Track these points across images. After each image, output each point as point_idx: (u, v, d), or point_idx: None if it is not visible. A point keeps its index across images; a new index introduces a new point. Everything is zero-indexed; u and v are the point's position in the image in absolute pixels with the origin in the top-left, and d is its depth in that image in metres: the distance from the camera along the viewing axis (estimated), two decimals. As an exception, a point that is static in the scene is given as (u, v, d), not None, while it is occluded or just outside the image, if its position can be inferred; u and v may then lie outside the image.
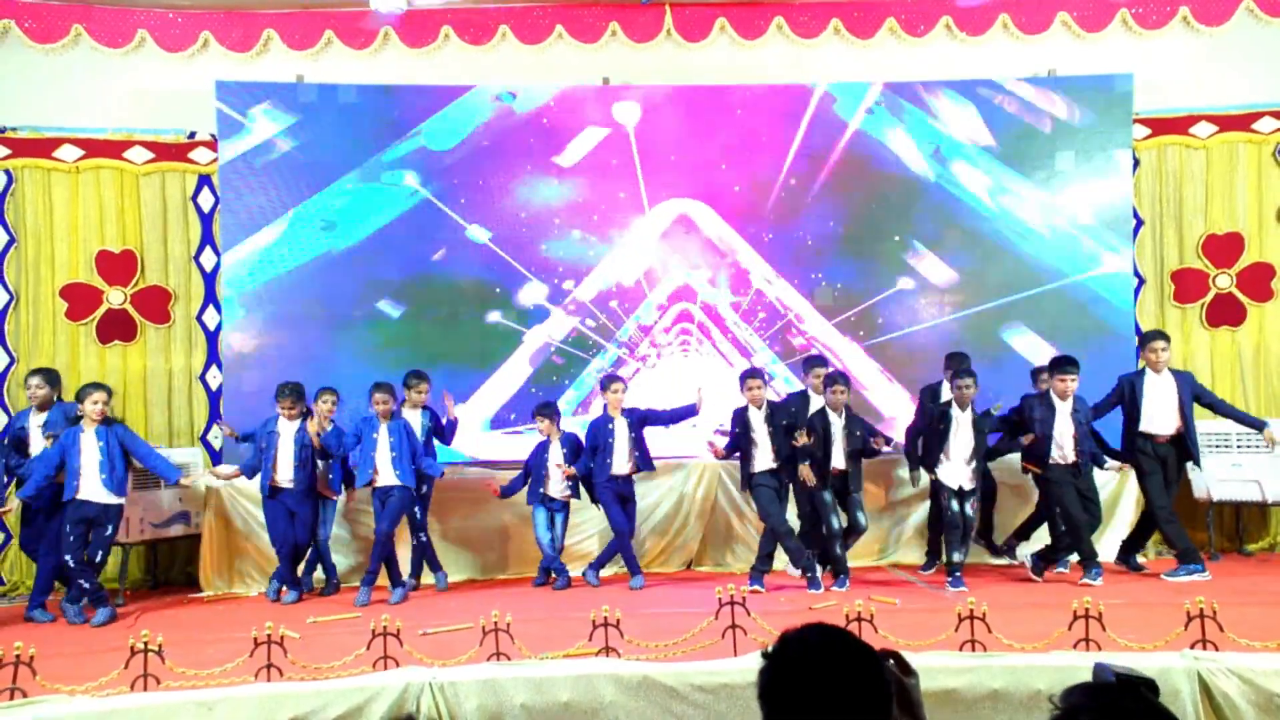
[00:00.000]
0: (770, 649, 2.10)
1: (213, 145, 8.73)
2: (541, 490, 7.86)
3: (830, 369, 7.95)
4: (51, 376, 7.72)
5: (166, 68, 8.89)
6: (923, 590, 7.37)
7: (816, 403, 7.71)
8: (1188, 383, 7.70)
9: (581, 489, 7.94)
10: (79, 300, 8.74)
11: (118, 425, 7.34)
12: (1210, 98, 9.11)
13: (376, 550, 7.52)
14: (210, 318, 8.85)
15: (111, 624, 6.92)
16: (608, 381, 7.96)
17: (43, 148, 8.74)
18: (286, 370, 8.30)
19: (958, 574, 7.30)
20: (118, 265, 8.78)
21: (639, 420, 7.90)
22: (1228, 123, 9.10)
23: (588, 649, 5.25)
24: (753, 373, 7.72)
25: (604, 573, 7.92)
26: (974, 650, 5.10)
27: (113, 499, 7.13)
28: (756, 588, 7.22)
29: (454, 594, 7.68)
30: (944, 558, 7.60)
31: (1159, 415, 7.58)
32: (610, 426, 7.81)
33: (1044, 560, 7.53)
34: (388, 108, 8.75)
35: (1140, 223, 9.08)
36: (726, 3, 9.04)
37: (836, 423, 7.50)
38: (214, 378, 8.77)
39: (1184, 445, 7.58)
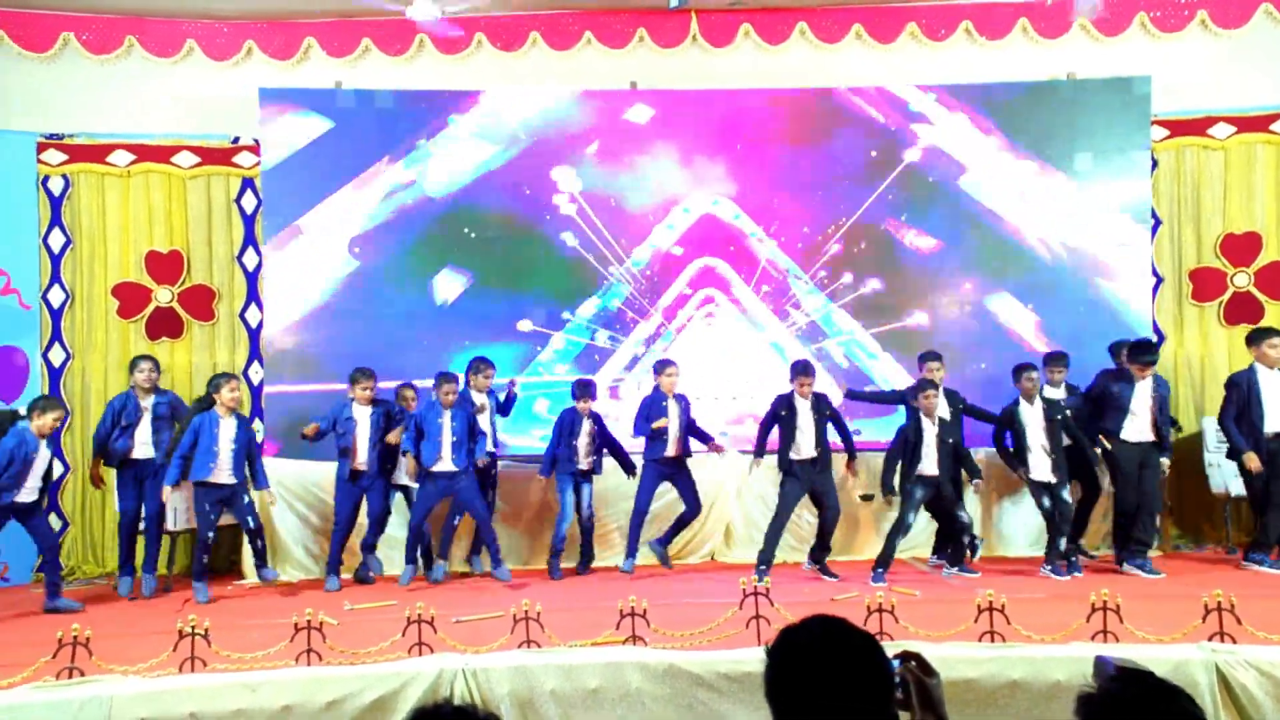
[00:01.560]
0: (771, 645, 2.07)
1: (255, 149, 8.78)
2: (573, 463, 7.81)
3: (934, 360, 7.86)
4: (158, 364, 7.90)
5: (213, 75, 8.95)
6: (943, 581, 7.30)
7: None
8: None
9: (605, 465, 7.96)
10: (129, 299, 8.82)
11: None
12: (1228, 99, 8.96)
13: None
14: (252, 315, 8.90)
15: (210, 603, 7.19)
16: (662, 365, 7.91)
17: (97, 153, 8.83)
18: (324, 366, 8.38)
19: (1056, 563, 7.27)
20: (166, 265, 8.86)
21: (688, 410, 7.87)
22: (1246, 124, 8.95)
23: (615, 637, 5.24)
24: (805, 369, 7.62)
25: (635, 561, 7.86)
26: (993, 641, 5.05)
27: (236, 480, 7.38)
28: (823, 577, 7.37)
29: (486, 583, 7.69)
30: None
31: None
32: (664, 406, 7.77)
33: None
34: (423, 111, 8.76)
35: (1159, 222, 8.95)
36: (750, 8, 8.98)
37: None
38: (255, 373, 8.83)
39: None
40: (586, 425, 7.87)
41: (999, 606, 5.11)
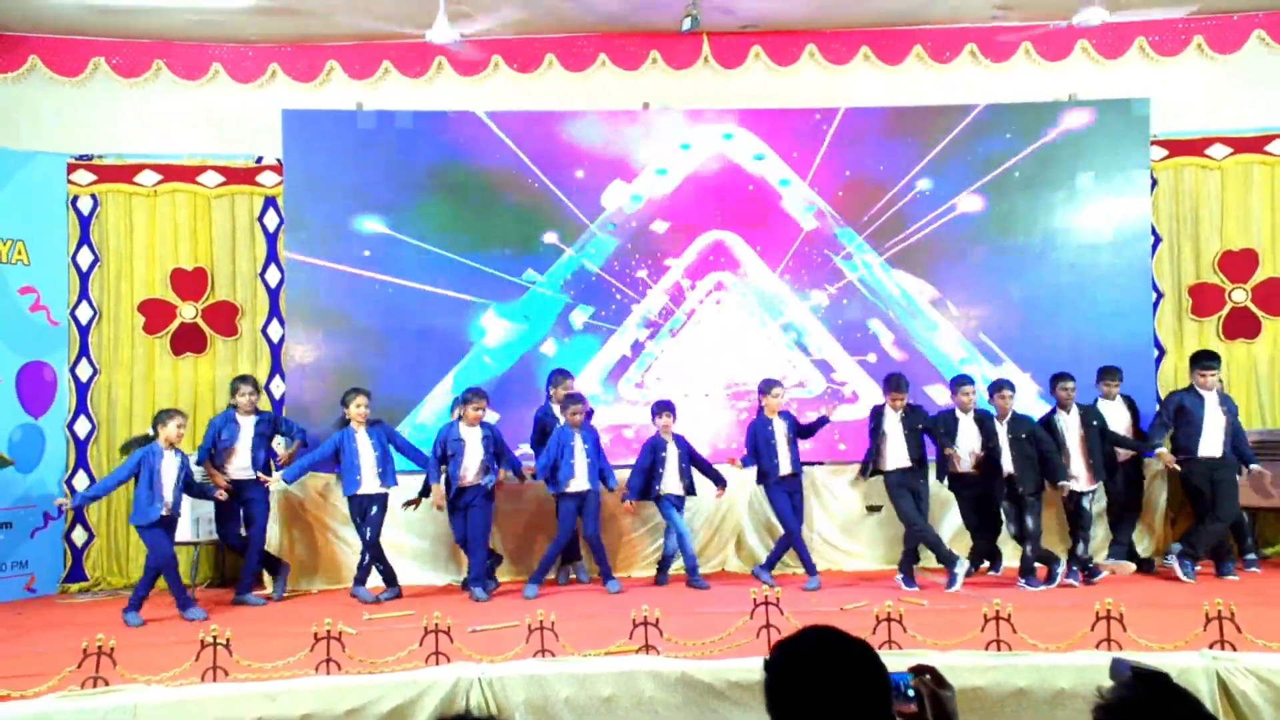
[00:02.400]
0: (769, 658, 2.07)
1: (278, 169, 8.83)
2: (658, 488, 7.77)
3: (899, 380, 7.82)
4: (258, 386, 8.03)
5: (237, 97, 9.01)
6: (948, 591, 7.26)
7: (964, 420, 7.59)
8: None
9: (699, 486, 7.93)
10: (155, 315, 8.86)
11: (384, 424, 7.86)
12: (1225, 121, 8.97)
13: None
14: (274, 331, 8.94)
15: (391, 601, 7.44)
16: (769, 385, 7.86)
17: (125, 173, 8.90)
18: (345, 380, 8.38)
19: (1073, 568, 7.35)
20: (190, 282, 8.91)
21: (793, 425, 7.85)
22: (1242, 145, 8.95)
23: (628, 646, 5.24)
24: (897, 384, 7.61)
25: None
26: (999, 650, 5.03)
27: (382, 489, 7.63)
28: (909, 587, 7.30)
29: (501, 594, 7.68)
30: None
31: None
32: (770, 429, 7.75)
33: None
34: (441, 132, 8.80)
35: (1158, 240, 8.94)
36: (761, 31, 9.02)
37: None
38: (277, 387, 8.85)
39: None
40: (671, 449, 7.80)
41: (1005, 615, 5.09)
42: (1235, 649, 4.93)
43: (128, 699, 4.70)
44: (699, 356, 8.80)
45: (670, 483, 7.77)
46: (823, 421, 7.89)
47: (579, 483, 7.60)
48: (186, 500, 7.44)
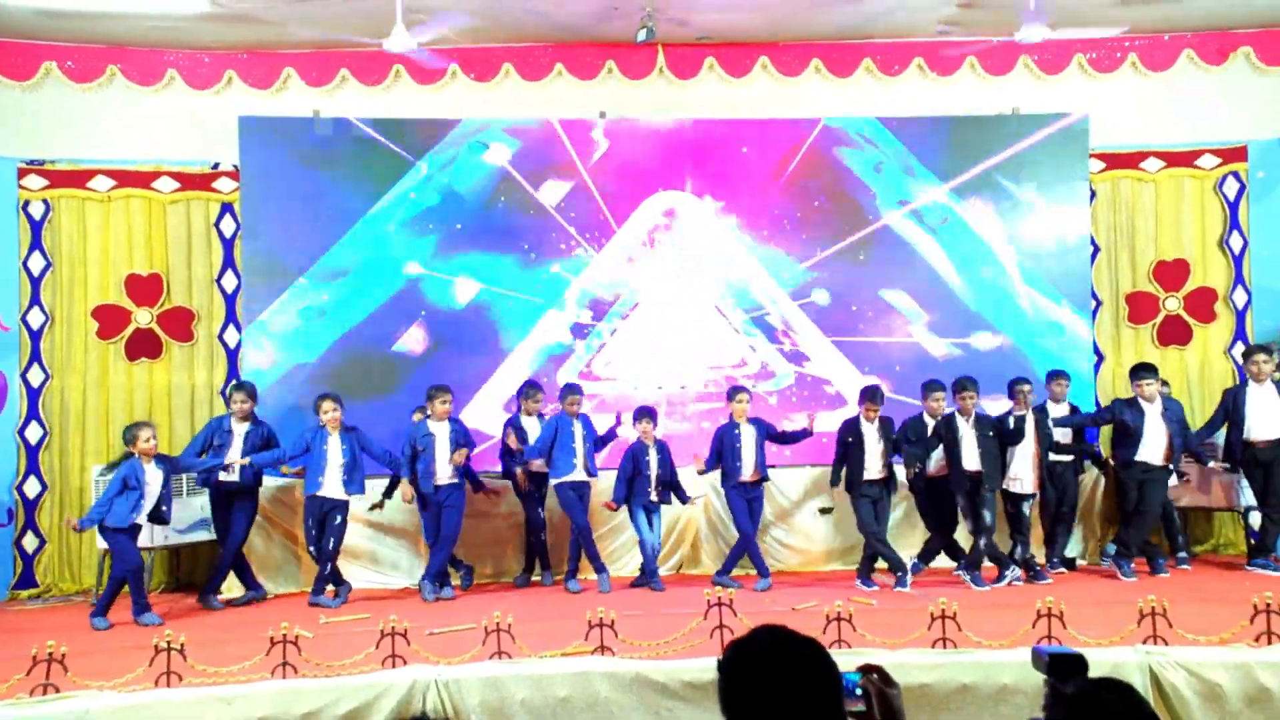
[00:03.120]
0: (721, 658, 2.08)
1: (235, 175, 8.71)
2: (645, 493, 7.72)
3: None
4: (252, 391, 7.87)
5: (193, 103, 8.86)
6: (897, 592, 7.33)
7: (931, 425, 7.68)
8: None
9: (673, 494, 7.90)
10: (109, 320, 8.69)
11: (358, 431, 7.63)
12: (1158, 136, 9.18)
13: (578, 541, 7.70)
14: (230, 336, 8.80)
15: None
16: (734, 391, 7.89)
17: (78, 179, 8.71)
18: (303, 386, 8.31)
19: (1038, 568, 7.55)
20: (145, 287, 8.75)
21: (764, 432, 7.83)
22: (1174, 159, 9.16)
23: (584, 648, 5.23)
24: (873, 397, 7.67)
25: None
26: (945, 647, 5.10)
27: (344, 495, 7.48)
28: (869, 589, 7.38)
29: (460, 596, 7.63)
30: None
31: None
32: (737, 433, 7.74)
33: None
34: (398, 139, 8.74)
35: (1097, 249, 9.13)
36: (715, 43, 9.07)
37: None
38: (235, 393, 8.72)
39: None
40: (653, 454, 7.75)
41: (951, 614, 5.16)
42: (1167, 644, 5.05)
43: (79, 705, 4.61)
44: (652, 343, 8.76)
45: (649, 490, 7.72)
46: (804, 434, 7.88)
47: (577, 473, 7.59)
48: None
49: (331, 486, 7.46)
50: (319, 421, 7.57)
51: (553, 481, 7.72)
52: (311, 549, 7.58)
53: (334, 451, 7.50)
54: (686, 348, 8.82)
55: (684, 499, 7.91)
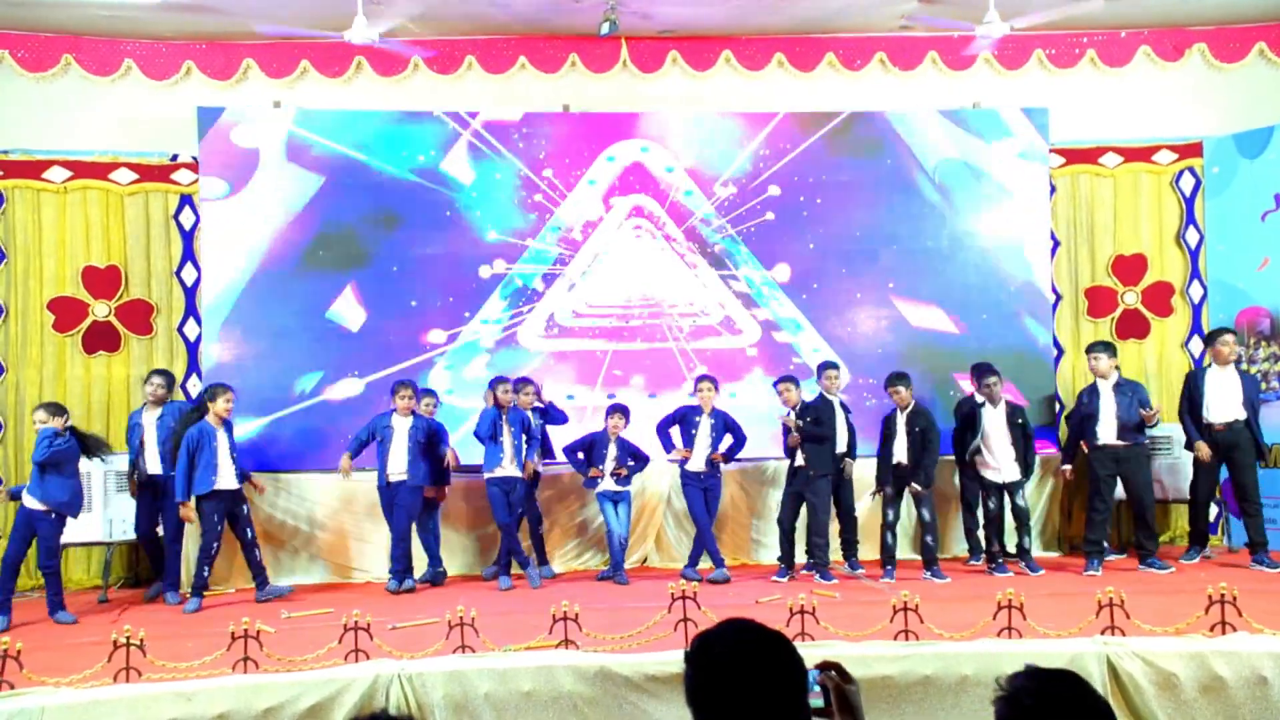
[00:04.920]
0: (688, 651, 2.08)
1: (194, 166, 8.57)
2: (599, 482, 7.74)
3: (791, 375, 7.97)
4: (170, 378, 7.84)
5: (151, 94, 8.72)
6: (861, 584, 7.38)
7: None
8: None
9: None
10: (66, 313, 8.53)
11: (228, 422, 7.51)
12: (1116, 131, 9.27)
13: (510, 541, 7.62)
14: (190, 329, 8.67)
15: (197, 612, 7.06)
16: (699, 381, 7.88)
17: (33, 169, 8.53)
18: (263, 379, 8.22)
19: (1030, 560, 7.55)
20: (103, 280, 8.59)
21: (722, 422, 7.80)
22: (1132, 154, 9.26)
23: (548, 641, 5.21)
24: (830, 364, 7.92)
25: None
26: (907, 639, 5.13)
27: (239, 485, 7.40)
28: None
29: (423, 590, 7.59)
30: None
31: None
32: (696, 420, 7.74)
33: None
34: (359, 132, 8.64)
35: (1057, 244, 9.21)
36: (678, 36, 9.05)
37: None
38: (194, 386, 8.58)
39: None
40: (612, 448, 7.76)
41: (913, 606, 5.19)
42: (1124, 634, 5.12)
43: (33, 702, 4.52)
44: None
45: (605, 479, 7.73)
46: (734, 451, 7.86)
47: (507, 468, 7.52)
48: (100, 499, 7.25)
49: (226, 479, 7.28)
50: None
51: (485, 475, 7.65)
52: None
53: (223, 445, 7.32)
54: (653, 286, 8.82)
55: (644, 459, 7.87)
